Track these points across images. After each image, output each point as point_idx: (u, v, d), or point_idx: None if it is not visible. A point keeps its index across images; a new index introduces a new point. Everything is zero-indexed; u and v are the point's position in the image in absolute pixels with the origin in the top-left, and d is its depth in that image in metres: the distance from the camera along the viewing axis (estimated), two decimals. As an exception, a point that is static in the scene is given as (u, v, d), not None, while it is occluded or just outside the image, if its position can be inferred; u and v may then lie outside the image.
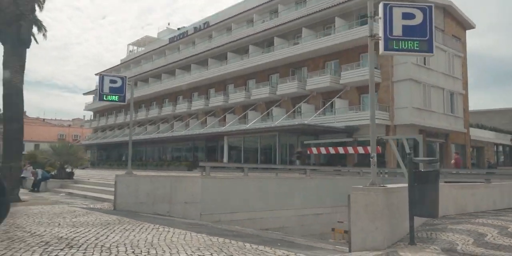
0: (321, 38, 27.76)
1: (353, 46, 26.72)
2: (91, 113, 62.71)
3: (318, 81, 27.64)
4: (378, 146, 15.57)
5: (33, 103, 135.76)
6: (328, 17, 28.20)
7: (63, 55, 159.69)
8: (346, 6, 26.90)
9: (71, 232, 6.19)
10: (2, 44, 11.24)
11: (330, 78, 27.11)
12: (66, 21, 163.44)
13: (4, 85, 11.19)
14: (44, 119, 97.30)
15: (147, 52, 49.17)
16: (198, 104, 39.15)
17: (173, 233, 6.32)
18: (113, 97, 11.18)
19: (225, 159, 32.82)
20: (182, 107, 40.97)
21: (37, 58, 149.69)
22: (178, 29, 52.08)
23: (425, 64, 26.06)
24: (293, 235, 10.69)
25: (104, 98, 11.16)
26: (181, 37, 44.21)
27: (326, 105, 27.39)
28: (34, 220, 7.53)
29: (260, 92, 32.17)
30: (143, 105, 48.94)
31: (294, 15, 30.78)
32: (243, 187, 12.89)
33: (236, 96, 34.53)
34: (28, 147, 63.47)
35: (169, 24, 54.62)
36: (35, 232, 6.07)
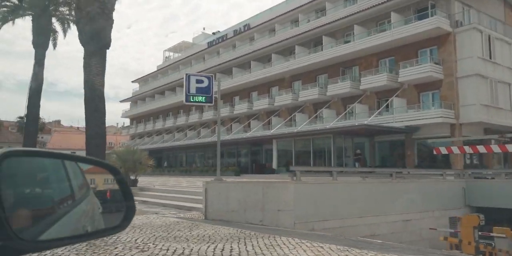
0: (375, 35, 26.57)
1: (410, 42, 25.45)
2: (125, 120, 63.12)
3: (374, 80, 26.42)
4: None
5: (65, 112, 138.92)
6: (381, 13, 27.01)
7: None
8: (403, 0, 25.65)
9: (215, 249, 5.34)
10: (83, 45, 10.67)
11: (387, 76, 25.85)
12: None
13: (85, 88, 10.60)
14: (78, 128, 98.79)
15: (185, 58, 48.95)
16: (240, 108, 38.45)
17: (330, 249, 5.39)
18: (200, 97, 10.42)
19: (275, 163, 31.88)
20: (224, 111, 40.31)
21: (67, 69, 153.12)
22: (213, 33, 51.75)
23: (490, 58, 24.47)
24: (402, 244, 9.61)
25: (191, 100, 10.42)
26: (220, 40, 43.72)
27: (384, 105, 26.11)
28: (152, 233, 6.74)
29: (308, 93, 31.15)
30: (181, 111, 48.66)
31: (343, 13, 29.68)
32: (333, 193, 11.92)
33: (282, 99, 33.61)
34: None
35: (204, 29, 54.27)
36: (175, 250, 5.25)
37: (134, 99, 58.67)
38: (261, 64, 36.40)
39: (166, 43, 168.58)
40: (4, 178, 0.77)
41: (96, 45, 10.46)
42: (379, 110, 26.06)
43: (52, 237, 0.89)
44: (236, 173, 34.29)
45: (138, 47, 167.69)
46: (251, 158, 37.80)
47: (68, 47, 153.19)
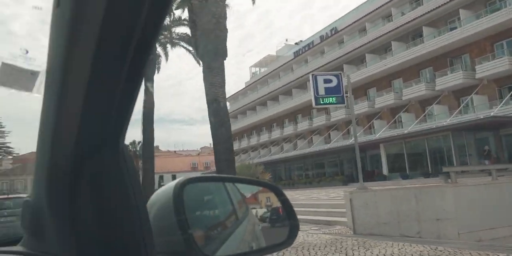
0: (488, 16, 23.75)
1: (533, 17, 22.27)
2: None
3: (492, 66, 23.54)
4: None
5: (161, 139, 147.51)
6: (491, -9, 24.18)
7: (178, 91, 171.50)
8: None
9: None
10: (200, 59, 10.35)
11: (508, 60, 22.81)
12: (176, 59, 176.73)
13: (208, 103, 10.19)
14: (175, 151, 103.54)
15: (272, 71, 48.82)
16: (337, 114, 36.90)
17: None
18: (331, 99, 9.42)
19: (384, 169, 29.74)
20: (320, 120, 39.09)
21: (157, 97, 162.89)
22: (296, 43, 51.13)
23: None
24: None
25: (321, 102, 9.46)
26: (307, 49, 42.88)
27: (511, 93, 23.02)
28: (326, 255, 5.76)
29: (413, 90, 28.80)
30: (274, 124, 48.33)
31: (444, -1, 27.16)
32: (495, 195, 10.08)
33: (382, 100, 31.53)
34: (167, 179, 67.14)
35: (286, 40, 53.92)
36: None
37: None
38: (354, 67, 34.74)
39: (245, 62, 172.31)
40: (186, 203, 0.85)
41: (214, 56, 10.06)
42: (505, 99, 22.98)
43: (225, 254, 0.95)
44: (343, 182, 32.69)
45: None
46: (355, 166, 35.81)
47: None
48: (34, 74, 0.89)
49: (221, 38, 10.21)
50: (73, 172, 0.64)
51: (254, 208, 1.17)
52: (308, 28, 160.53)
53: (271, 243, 1.08)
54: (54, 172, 0.67)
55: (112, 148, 0.65)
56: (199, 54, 10.37)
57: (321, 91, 9.44)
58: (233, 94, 59.47)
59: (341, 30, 37.48)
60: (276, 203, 1.15)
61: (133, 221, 0.65)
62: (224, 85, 10.46)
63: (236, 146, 56.45)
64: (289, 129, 44.11)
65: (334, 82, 9.48)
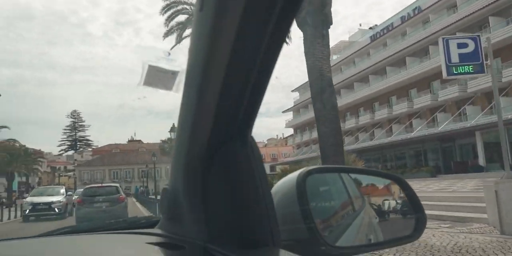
0: None
1: None
2: (283, 131, 63.20)
3: None
4: None
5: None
6: None
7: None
8: None
9: None
10: (300, 27, 9.00)
11: None
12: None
13: (310, 77, 8.87)
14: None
15: (346, 57, 46.38)
16: (420, 101, 34.06)
17: None
18: (466, 67, 7.70)
19: (481, 159, 26.74)
20: (400, 107, 36.36)
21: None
22: (371, 28, 48.20)
23: None
24: None
25: (455, 72, 7.75)
26: (385, 31, 40.03)
27: None
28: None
29: (515, 71, 25.45)
30: (348, 113, 46.03)
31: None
32: None
33: (477, 83, 28.25)
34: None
35: (360, 25, 51.04)
36: None
37: (296, 108, 58.46)
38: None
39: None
40: (309, 193, 0.87)
41: (317, 24, 8.69)
42: None
43: (345, 245, 0.93)
44: (431, 174, 30.03)
45: (283, 61, 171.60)
46: (442, 156, 32.90)
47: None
48: (174, 74, 0.96)
49: (326, 3, 8.82)
50: (207, 163, 0.68)
51: (387, 200, 1.12)
52: (376, 15, 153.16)
53: (389, 237, 1.04)
54: (190, 164, 0.72)
55: (241, 140, 0.68)
56: (299, 23, 9.05)
57: (455, 59, 7.73)
58: (303, 84, 57.86)
59: (425, 9, 34.28)
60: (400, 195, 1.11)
61: (260, 209, 0.68)
62: (329, 57, 9.08)
63: (307, 136, 54.96)
64: (365, 118, 41.69)
65: (471, 46, 7.73)
